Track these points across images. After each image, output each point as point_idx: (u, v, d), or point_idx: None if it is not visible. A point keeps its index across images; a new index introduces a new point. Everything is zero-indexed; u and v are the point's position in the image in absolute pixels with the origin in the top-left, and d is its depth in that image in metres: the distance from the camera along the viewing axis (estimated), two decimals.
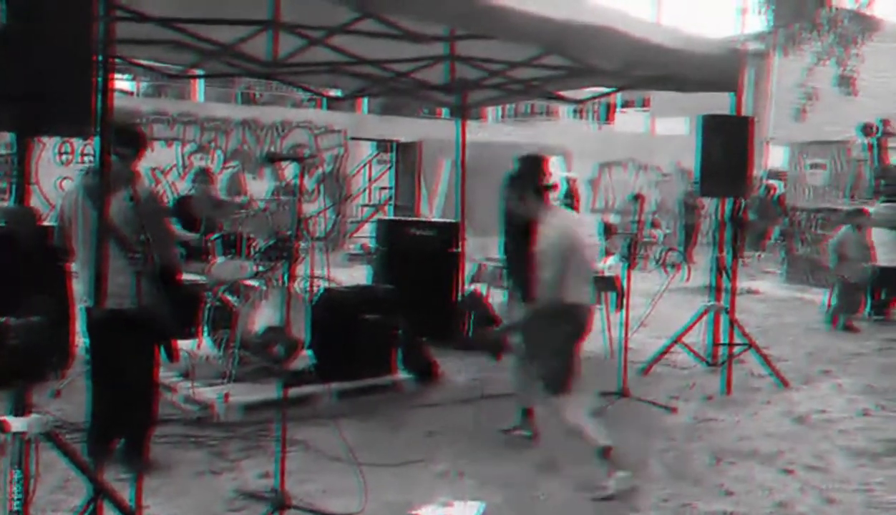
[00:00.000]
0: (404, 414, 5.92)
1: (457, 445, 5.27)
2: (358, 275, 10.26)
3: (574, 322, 4.74)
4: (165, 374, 5.62)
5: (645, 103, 31.18)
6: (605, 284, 7.80)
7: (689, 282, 13.34)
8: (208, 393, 5.68)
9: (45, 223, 5.97)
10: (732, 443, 5.58)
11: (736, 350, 7.17)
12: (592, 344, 6.24)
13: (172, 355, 5.81)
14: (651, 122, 28.19)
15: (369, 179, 17.81)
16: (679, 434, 5.75)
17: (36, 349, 3.04)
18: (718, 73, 6.66)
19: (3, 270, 2.93)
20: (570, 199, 15.34)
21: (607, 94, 12.54)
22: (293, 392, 5.09)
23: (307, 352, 6.25)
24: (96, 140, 3.80)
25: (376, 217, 15.35)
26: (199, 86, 21.25)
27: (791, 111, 19.69)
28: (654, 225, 17.63)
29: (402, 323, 6.50)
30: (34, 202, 3.30)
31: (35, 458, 3.08)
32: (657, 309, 8.45)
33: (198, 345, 6.46)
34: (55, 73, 2.81)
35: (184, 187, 13.74)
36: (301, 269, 6.64)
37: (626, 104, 33.60)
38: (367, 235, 14.82)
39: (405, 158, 17.30)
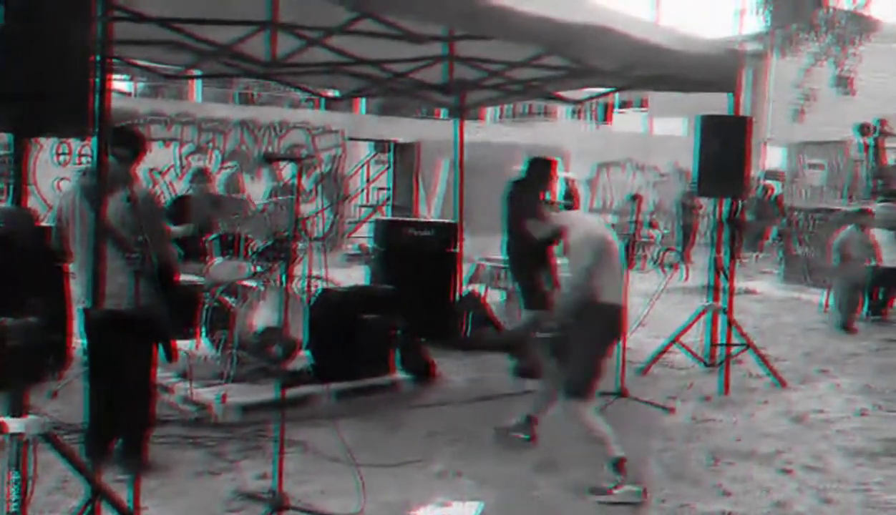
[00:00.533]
0: (402, 415, 5.92)
1: (455, 445, 5.27)
2: (356, 276, 10.25)
3: (607, 323, 4.68)
4: (163, 375, 5.62)
5: (643, 103, 31.18)
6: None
7: (686, 282, 13.34)
8: (206, 394, 5.67)
9: (43, 224, 5.96)
10: (730, 443, 5.58)
11: (734, 350, 7.17)
12: None
13: (170, 356, 5.81)
14: (649, 123, 28.20)
15: (367, 179, 17.80)
16: (677, 434, 5.75)
17: (33, 350, 3.04)
18: (716, 73, 6.67)
19: (1, 271, 2.92)
20: (569, 200, 15.35)
21: (606, 95, 12.56)
22: (291, 392, 5.10)
23: (305, 353, 6.25)
24: (94, 141, 3.80)
25: (374, 217, 15.34)
26: (197, 86, 21.21)
27: (789, 111, 19.71)
28: (651, 225, 17.65)
29: (401, 323, 6.50)
30: (32, 203, 3.30)
31: (33, 459, 3.08)
32: (655, 310, 8.45)
33: (196, 346, 6.46)
34: (53, 73, 2.81)
35: (181, 188, 13.73)
36: (299, 270, 6.64)
37: (624, 104, 33.58)
38: (365, 235, 14.81)
39: (403, 159, 17.30)
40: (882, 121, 14.92)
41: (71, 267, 5.45)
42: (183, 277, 5.99)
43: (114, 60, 6.08)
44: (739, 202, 8.27)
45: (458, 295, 8.45)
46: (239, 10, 5.74)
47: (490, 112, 29.67)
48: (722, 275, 7.22)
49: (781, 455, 5.37)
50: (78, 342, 5.63)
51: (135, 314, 4.24)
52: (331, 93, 9.52)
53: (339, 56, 7.02)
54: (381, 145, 17.92)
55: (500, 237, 7.22)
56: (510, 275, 7.62)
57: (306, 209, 15.59)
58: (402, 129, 17.62)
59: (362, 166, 17.70)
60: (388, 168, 17.89)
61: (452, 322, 8.12)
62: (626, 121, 32.21)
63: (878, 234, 10.79)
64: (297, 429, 5.06)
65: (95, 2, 3.09)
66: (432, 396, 6.41)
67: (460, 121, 8.88)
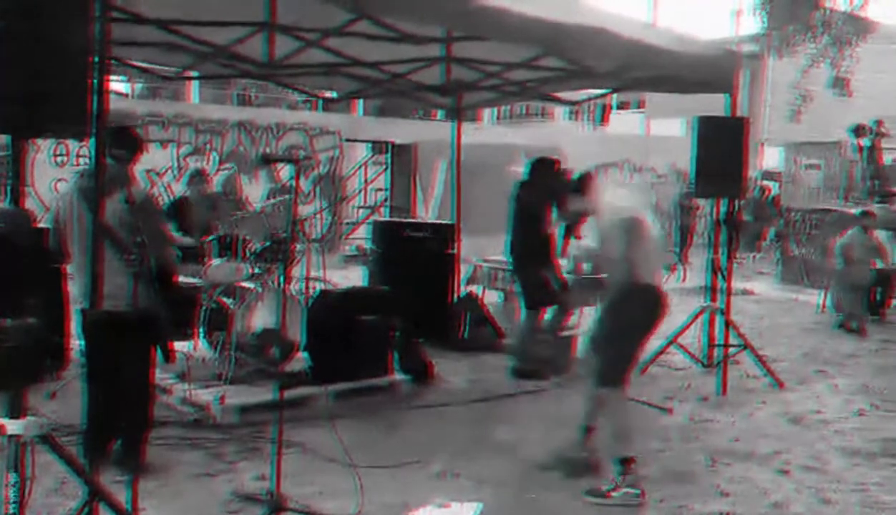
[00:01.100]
0: (401, 416, 5.92)
1: (454, 446, 5.27)
2: (354, 277, 10.25)
3: (647, 305, 4.50)
4: (161, 376, 5.62)
5: (640, 104, 31.19)
6: (598, 285, 7.80)
7: (684, 283, 13.34)
8: (204, 395, 5.67)
9: (41, 225, 5.95)
10: (728, 444, 5.59)
11: (731, 350, 7.17)
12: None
13: (168, 357, 5.81)
14: (646, 124, 28.22)
15: (365, 181, 17.79)
16: (674, 434, 5.76)
17: (31, 351, 3.04)
18: (714, 74, 6.68)
19: None
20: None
21: (603, 96, 12.56)
22: (289, 393, 5.10)
23: (303, 354, 6.25)
24: (91, 142, 3.79)
25: (372, 218, 15.33)
26: (195, 87, 21.25)
27: (786, 112, 19.73)
28: None
29: (399, 324, 6.50)
30: (29, 204, 3.29)
31: (31, 461, 3.08)
32: None
33: (194, 347, 6.45)
34: (51, 74, 2.82)
35: (179, 189, 13.71)
36: (297, 271, 6.64)
37: (621, 105, 33.61)
38: (362, 237, 14.81)
39: (401, 160, 17.29)
40: (879, 122, 14.95)
41: (69, 269, 5.44)
42: (181, 278, 5.99)
43: (112, 61, 6.07)
44: (737, 203, 8.26)
45: (455, 296, 8.45)
46: (237, 12, 5.74)
47: (488, 113, 29.72)
48: (719, 276, 7.23)
49: (779, 455, 5.38)
50: (76, 343, 5.62)
51: (133, 315, 4.24)
52: (328, 94, 9.52)
53: (336, 57, 7.03)
54: (378, 146, 17.92)
55: (499, 238, 7.22)
56: (512, 276, 7.61)
57: (304, 210, 15.59)
58: (400, 131, 17.62)
59: (360, 167, 17.69)
60: (385, 169, 17.88)
61: (450, 323, 8.12)
62: (624, 123, 32.22)
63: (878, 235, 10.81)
64: (296, 430, 5.06)
65: (93, 3, 3.09)
66: (430, 397, 6.41)
67: (457, 122, 8.89)
